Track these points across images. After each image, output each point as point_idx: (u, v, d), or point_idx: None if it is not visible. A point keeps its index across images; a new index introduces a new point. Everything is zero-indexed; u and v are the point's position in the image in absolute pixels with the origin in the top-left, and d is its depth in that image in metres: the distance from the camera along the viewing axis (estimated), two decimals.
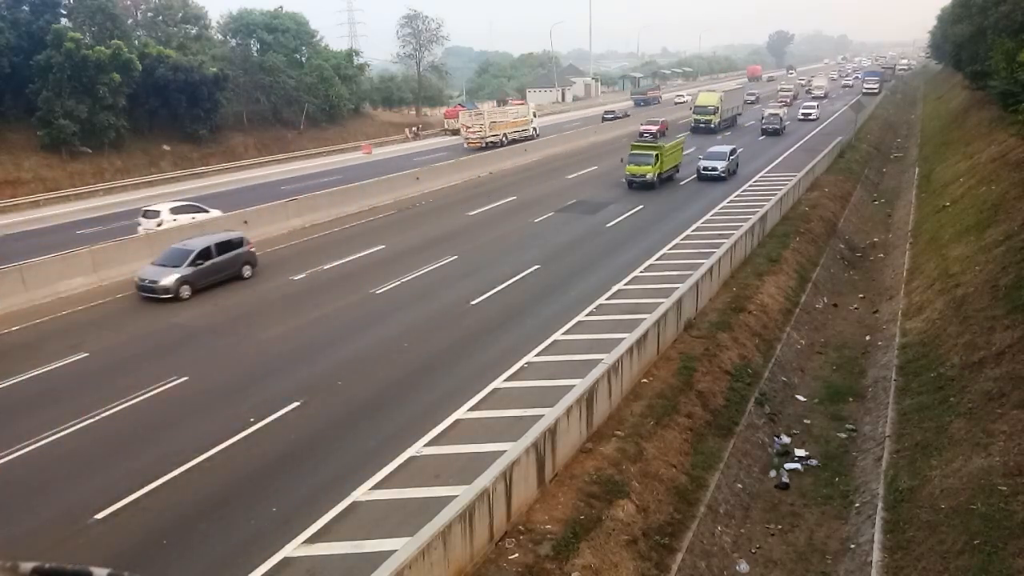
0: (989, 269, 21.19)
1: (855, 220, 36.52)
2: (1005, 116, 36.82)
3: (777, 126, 60.19)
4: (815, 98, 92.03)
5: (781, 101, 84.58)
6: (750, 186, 39.14)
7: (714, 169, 40.76)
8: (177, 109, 54.19)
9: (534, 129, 63.43)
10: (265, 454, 14.08)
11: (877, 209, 39.96)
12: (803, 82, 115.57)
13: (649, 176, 38.74)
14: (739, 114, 71.62)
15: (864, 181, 44.13)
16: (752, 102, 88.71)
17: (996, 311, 18.34)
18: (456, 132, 70.41)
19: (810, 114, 70.62)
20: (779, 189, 34.19)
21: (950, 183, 35.37)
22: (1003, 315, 17.86)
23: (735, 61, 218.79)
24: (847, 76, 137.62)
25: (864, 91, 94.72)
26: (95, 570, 1.85)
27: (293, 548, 11.27)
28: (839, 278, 29.07)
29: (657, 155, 39.13)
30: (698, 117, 64.15)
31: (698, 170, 41.17)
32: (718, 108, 63.85)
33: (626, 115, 77.89)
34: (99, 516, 12.17)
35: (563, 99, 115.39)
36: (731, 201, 35.48)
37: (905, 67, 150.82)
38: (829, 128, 62.44)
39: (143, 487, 12.92)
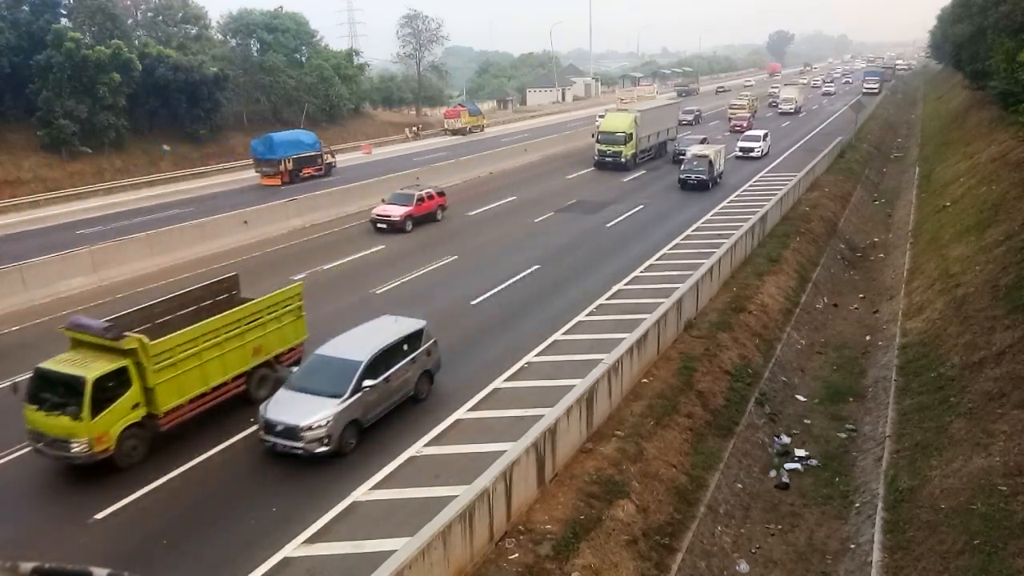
0: (989, 269, 21.19)
1: (855, 220, 36.53)
2: (1005, 116, 36.83)
3: (703, 175, 38.51)
4: (783, 114, 74.87)
5: (733, 123, 63.24)
6: (750, 186, 39.14)
7: (289, 442, 13.61)
8: (177, 109, 54.14)
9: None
10: (265, 454, 14.06)
11: (877, 209, 39.98)
12: (774, 91, 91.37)
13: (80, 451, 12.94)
14: (672, 139, 51.93)
15: (864, 181, 44.15)
16: (690, 123, 67.34)
17: (996, 311, 18.34)
18: (456, 132, 70.64)
19: (752, 149, 49.12)
20: (779, 189, 34.20)
21: (950, 183, 35.38)
22: (1003, 315, 17.87)
23: (735, 61, 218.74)
24: (830, 82, 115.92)
25: (864, 91, 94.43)
26: (95, 570, 1.86)
27: (293, 548, 11.27)
28: (839, 278, 29.08)
29: (114, 375, 13.29)
30: (602, 147, 45.53)
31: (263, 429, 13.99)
32: (631, 135, 45.23)
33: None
34: (99, 516, 12.18)
35: (563, 99, 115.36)
36: (731, 201, 35.48)
37: (905, 67, 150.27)
38: (829, 128, 62.41)
39: (143, 487, 12.92)
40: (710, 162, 39.24)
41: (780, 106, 77.31)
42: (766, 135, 51.18)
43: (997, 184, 28.91)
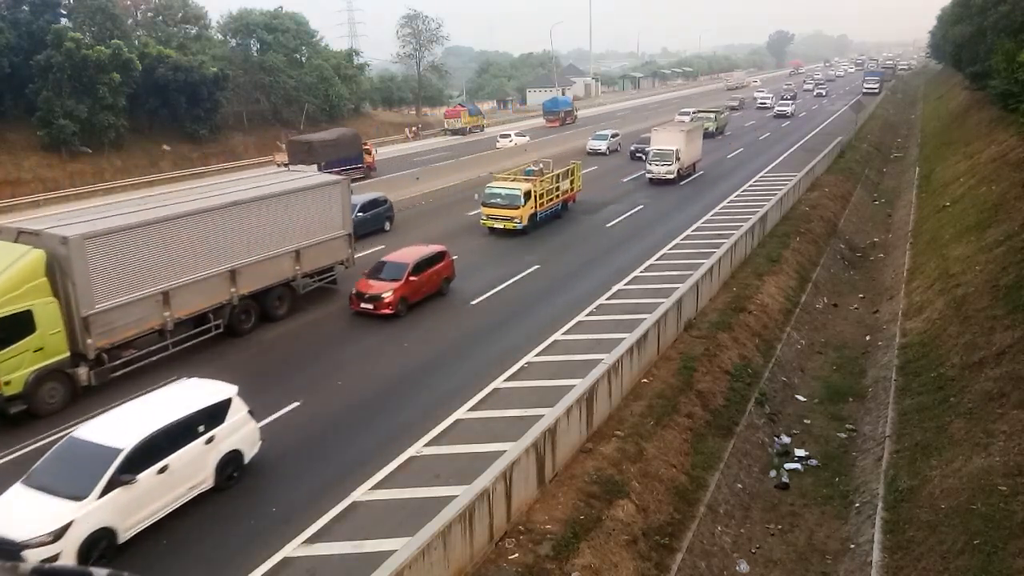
0: (989, 269, 21.20)
1: (855, 220, 36.53)
2: (1005, 116, 36.87)
3: None
4: (656, 183, 39.88)
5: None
6: (750, 186, 39.13)
7: None
8: (177, 109, 54.19)
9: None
10: (265, 454, 14.07)
11: (877, 209, 39.97)
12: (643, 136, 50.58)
13: None
14: (346, 263, 23.36)
15: (864, 181, 44.14)
16: (376, 228, 30.38)
17: (996, 311, 18.34)
18: (456, 132, 70.57)
19: None
20: (779, 189, 34.19)
21: (950, 183, 35.38)
22: (1003, 315, 17.87)
23: (735, 61, 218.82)
24: (788, 97, 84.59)
25: (864, 91, 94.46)
26: (95, 570, 1.85)
27: (293, 548, 11.27)
28: (839, 278, 29.07)
29: None
30: None
31: None
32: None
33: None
34: None
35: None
36: (731, 201, 35.48)
37: (905, 67, 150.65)
38: (829, 128, 62.40)
39: None
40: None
41: (649, 167, 40.68)
42: None
43: (997, 184, 28.92)
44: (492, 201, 30.37)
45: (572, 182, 34.15)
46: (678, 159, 40.52)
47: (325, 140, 43.67)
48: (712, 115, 62.44)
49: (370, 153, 47.38)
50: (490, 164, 47.20)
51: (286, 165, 45.16)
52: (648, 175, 40.99)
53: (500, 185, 30.76)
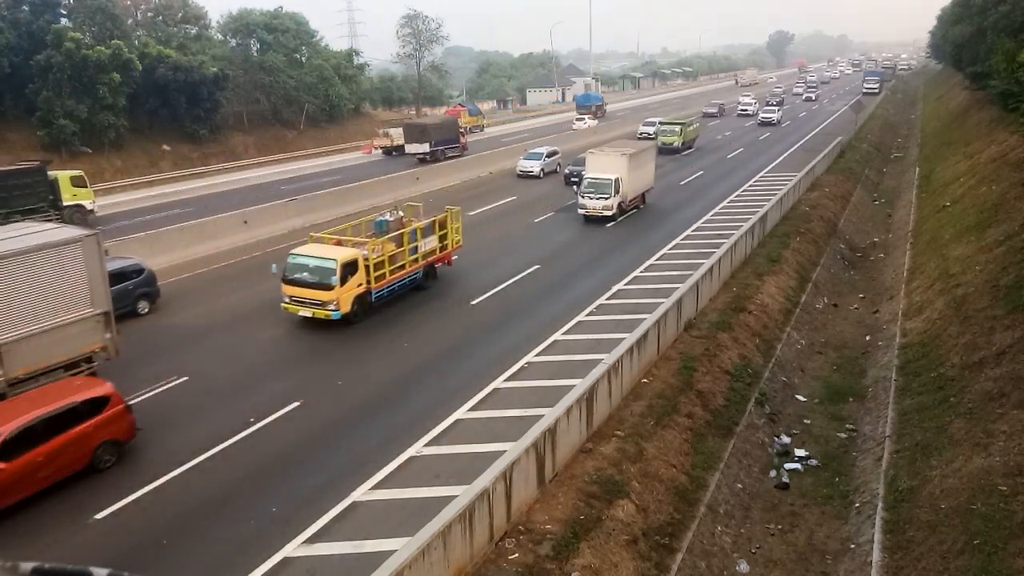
0: (989, 269, 21.20)
1: (855, 220, 36.53)
2: (1005, 116, 36.87)
3: None
4: (590, 222, 31.89)
5: None
6: (750, 186, 39.14)
7: None
8: (177, 109, 54.18)
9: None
10: (265, 454, 14.08)
11: (877, 209, 39.97)
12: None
13: None
14: None
15: (864, 181, 44.15)
16: None
17: (996, 311, 18.35)
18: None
19: None
20: (779, 189, 34.19)
21: (950, 183, 35.38)
22: (1003, 315, 17.87)
23: (735, 61, 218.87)
24: (773, 103, 74.17)
25: (864, 91, 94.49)
26: (95, 570, 1.86)
27: (293, 548, 11.27)
28: (839, 278, 29.07)
29: None
30: None
31: None
32: None
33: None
34: (99, 516, 12.18)
35: (563, 99, 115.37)
36: (731, 201, 35.48)
37: (905, 67, 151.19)
38: (829, 128, 62.39)
39: (143, 487, 12.92)
40: None
41: (581, 200, 32.67)
42: None
43: (997, 184, 28.91)
44: (295, 276, 19.78)
45: (444, 236, 23.63)
46: (618, 191, 31.95)
47: (435, 124, 51.36)
48: (677, 127, 51.58)
49: (464, 135, 53.83)
50: (489, 164, 47.25)
51: (387, 148, 54.86)
52: (580, 210, 32.28)
53: (309, 252, 20.13)
